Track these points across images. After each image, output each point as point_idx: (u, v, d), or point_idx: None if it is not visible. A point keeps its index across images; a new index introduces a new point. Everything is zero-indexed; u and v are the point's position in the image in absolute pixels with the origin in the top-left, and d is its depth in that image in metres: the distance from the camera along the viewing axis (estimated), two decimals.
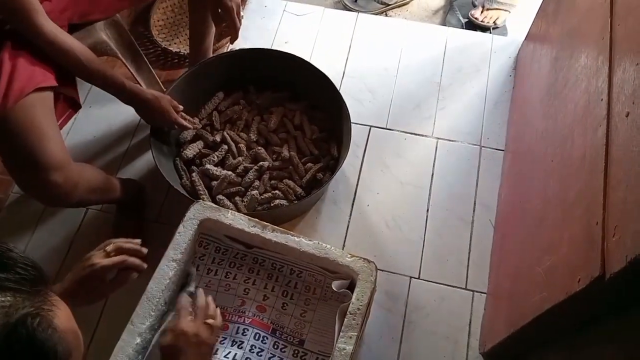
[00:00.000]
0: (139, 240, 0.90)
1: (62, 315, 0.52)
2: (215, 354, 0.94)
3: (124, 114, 1.57)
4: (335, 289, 0.95)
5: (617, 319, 0.69)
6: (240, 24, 1.24)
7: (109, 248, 0.85)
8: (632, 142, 0.64)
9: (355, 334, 0.89)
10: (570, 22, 1.08)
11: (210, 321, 0.88)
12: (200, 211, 1.01)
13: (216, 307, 0.97)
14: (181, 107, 1.32)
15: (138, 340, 0.91)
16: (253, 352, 0.94)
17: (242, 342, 0.94)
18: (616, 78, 0.75)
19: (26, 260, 0.51)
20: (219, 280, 1.00)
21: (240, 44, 1.70)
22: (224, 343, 0.95)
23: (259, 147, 1.42)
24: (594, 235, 0.67)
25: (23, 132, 0.96)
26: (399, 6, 1.88)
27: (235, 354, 0.93)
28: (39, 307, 0.49)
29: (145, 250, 0.89)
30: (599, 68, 0.82)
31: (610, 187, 0.68)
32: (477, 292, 1.31)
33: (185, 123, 1.34)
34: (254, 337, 0.95)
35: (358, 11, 1.80)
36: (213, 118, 1.47)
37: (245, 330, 0.96)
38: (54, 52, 1.03)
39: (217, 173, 1.37)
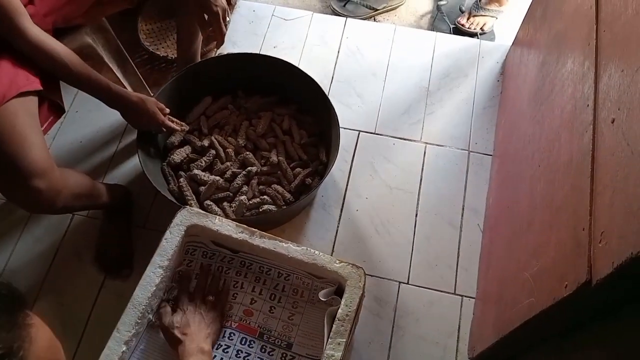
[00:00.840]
0: None
1: (38, 348, 0.48)
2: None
3: (111, 118, 1.56)
4: (322, 299, 0.94)
5: (604, 324, 0.69)
6: (227, 28, 1.23)
7: None
8: (618, 148, 0.64)
9: (344, 340, 0.88)
10: (557, 28, 1.09)
11: (210, 298, 0.95)
12: (187, 217, 1.00)
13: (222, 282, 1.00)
14: (167, 109, 1.31)
15: (124, 348, 0.89)
16: (240, 357, 0.93)
17: (229, 347, 0.94)
18: (602, 84, 0.75)
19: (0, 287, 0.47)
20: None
21: (229, 48, 1.69)
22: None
23: (247, 152, 1.41)
24: (581, 241, 0.67)
25: (4, 138, 0.94)
26: (388, 11, 1.88)
27: (221, 358, 0.92)
28: (9, 345, 0.45)
29: None
30: (585, 74, 0.82)
31: (597, 193, 0.68)
32: (466, 297, 1.31)
33: (173, 125, 1.33)
34: (240, 342, 0.94)
35: (347, 16, 1.80)
36: (201, 123, 1.47)
37: (232, 335, 0.95)
38: (38, 55, 1.01)
39: (205, 178, 1.36)
